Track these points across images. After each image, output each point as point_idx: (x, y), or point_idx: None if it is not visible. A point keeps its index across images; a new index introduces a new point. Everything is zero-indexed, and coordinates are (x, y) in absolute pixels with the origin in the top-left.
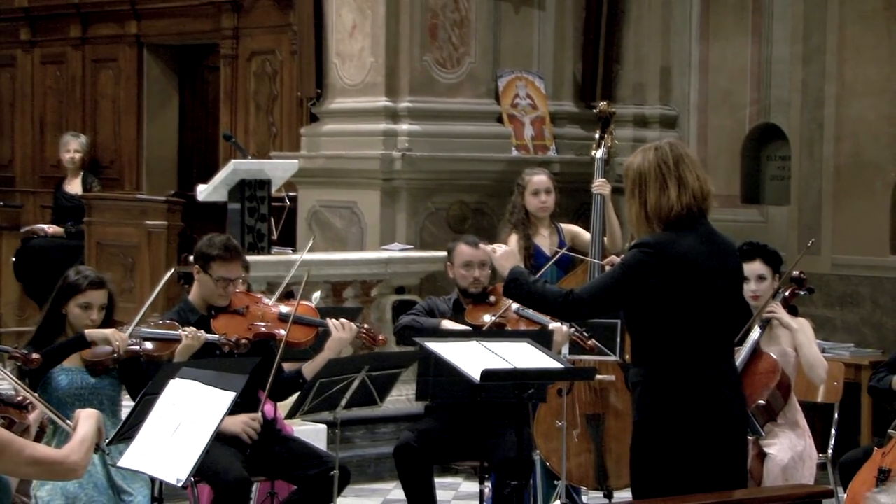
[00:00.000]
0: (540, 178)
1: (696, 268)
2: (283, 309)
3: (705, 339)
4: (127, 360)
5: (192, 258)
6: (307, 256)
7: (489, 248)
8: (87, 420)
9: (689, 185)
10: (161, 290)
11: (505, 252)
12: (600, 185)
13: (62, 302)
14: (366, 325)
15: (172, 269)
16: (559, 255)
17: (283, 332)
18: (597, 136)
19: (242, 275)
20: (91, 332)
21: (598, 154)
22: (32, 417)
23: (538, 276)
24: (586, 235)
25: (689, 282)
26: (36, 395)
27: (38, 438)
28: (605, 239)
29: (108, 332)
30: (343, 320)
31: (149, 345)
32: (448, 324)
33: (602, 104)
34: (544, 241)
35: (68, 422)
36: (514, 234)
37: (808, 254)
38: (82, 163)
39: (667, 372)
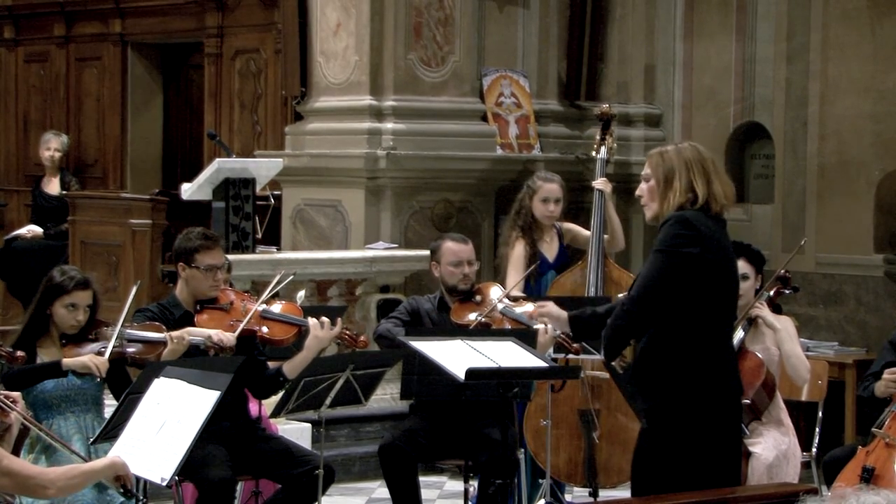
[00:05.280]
0: (551, 187)
1: (720, 247)
2: (266, 307)
3: (718, 318)
4: (111, 361)
5: (172, 258)
6: (292, 255)
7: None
8: (106, 462)
9: (715, 191)
10: (144, 293)
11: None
12: (602, 183)
13: (48, 302)
14: (348, 327)
15: (138, 282)
16: (530, 270)
17: (264, 329)
18: (598, 137)
19: (224, 261)
20: (67, 362)
21: (600, 155)
22: (14, 416)
23: (539, 280)
24: (584, 233)
25: (713, 258)
26: (46, 429)
27: (21, 437)
28: (606, 237)
29: (84, 359)
30: (325, 319)
31: (134, 347)
32: None
33: (604, 106)
34: (547, 247)
35: (79, 453)
36: (522, 241)
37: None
38: (61, 162)
39: (679, 343)
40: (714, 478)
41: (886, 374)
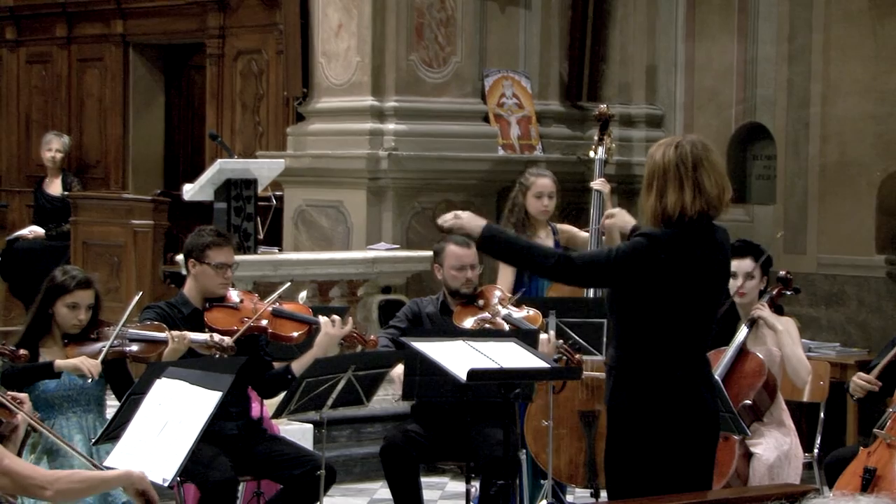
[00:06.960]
0: (544, 182)
1: (691, 270)
2: (277, 305)
3: (686, 335)
4: (112, 361)
5: (181, 256)
6: (293, 256)
7: (449, 215)
8: (119, 473)
9: (706, 192)
10: (146, 294)
11: (469, 215)
12: (600, 184)
13: (50, 302)
14: (356, 327)
15: (140, 293)
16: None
17: (276, 326)
18: (596, 137)
19: (236, 259)
20: (60, 364)
21: (598, 155)
22: (21, 417)
23: (535, 277)
24: (582, 235)
25: (680, 282)
26: (52, 430)
27: (24, 439)
28: (604, 238)
29: (76, 361)
30: (336, 318)
31: (135, 347)
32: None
33: (602, 107)
34: (542, 243)
35: (83, 453)
36: None
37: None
38: (63, 162)
39: (644, 361)
40: (679, 483)
41: (855, 378)
